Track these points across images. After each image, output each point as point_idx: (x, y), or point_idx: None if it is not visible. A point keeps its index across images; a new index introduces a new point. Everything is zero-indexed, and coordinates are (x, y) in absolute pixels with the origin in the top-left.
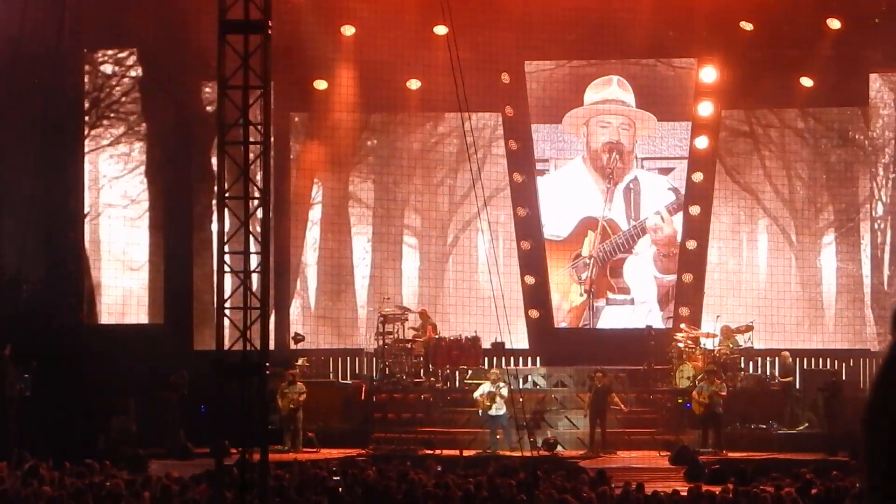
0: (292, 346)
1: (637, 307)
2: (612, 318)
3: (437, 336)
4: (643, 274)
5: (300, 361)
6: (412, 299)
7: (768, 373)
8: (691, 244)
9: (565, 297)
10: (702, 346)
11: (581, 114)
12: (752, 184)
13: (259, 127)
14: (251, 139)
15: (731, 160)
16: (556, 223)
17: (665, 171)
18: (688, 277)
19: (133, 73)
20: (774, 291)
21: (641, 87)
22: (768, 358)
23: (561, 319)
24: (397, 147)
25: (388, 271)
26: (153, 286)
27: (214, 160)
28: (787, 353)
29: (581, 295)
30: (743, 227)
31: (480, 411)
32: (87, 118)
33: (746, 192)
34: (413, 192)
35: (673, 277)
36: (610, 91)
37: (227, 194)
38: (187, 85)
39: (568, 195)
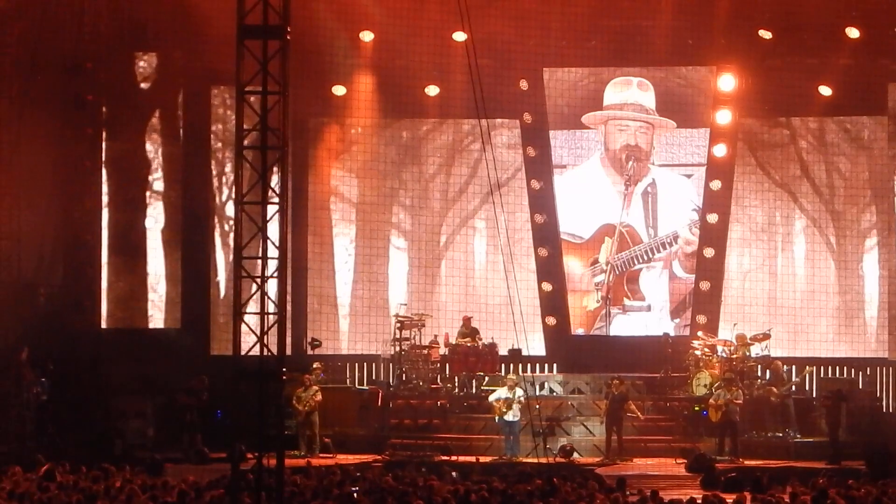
0: (309, 351)
1: (653, 314)
2: (627, 325)
3: (452, 342)
4: (658, 281)
5: (316, 366)
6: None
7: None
8: (709, 252)
9: (580, 302)
10: (719, 354)
11: (600, 116)
12: (788, 180)
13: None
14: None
15: (764, 154)
16: (574, 224)
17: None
18: (705, 285)
19: None
20: (802, 298)
21: (659, 94)
22: (784, 366)
23: (577, 325)
24: (384, 139)
25: (374, 274)
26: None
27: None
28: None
29: (597, 301)
30: (780, 226)
31: (497, 417)
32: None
33: (781, 190)
34: (401, 188)
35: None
36: (630, 93)
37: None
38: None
39: (586, 195)
